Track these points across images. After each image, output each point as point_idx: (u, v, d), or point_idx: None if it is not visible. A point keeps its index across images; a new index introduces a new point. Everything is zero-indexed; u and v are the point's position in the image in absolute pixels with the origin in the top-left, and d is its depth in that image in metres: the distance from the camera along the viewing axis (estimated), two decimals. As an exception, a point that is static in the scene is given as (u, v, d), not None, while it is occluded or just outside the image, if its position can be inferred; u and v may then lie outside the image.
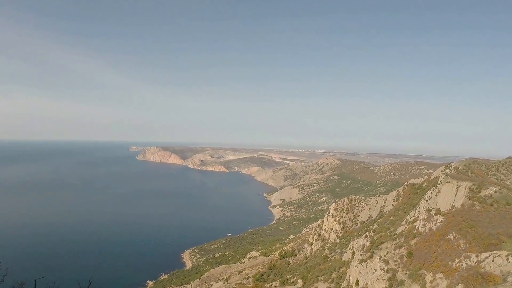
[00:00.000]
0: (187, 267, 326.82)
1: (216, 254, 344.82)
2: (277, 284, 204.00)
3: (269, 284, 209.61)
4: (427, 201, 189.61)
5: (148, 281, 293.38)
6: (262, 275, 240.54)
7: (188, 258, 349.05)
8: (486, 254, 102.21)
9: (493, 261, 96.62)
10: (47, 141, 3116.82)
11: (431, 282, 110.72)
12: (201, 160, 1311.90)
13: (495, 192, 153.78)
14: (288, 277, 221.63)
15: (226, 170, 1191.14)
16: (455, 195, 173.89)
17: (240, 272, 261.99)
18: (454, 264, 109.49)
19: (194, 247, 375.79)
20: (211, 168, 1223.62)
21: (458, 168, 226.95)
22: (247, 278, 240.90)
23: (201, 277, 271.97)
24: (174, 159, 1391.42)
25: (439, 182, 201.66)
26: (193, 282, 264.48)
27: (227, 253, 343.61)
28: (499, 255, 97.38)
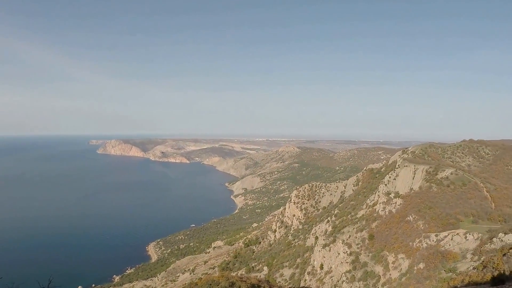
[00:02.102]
0: (153, 260, 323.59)
1: (181, 245, 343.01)
2: (243, 272, 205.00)
3: (235, 273, 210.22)
4: (386, 185, 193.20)
5: (114, 276, 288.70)
6: (228, 264, 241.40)
7: (153, 251, 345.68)
8: (445, 233, 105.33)
9: (452, 239, 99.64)
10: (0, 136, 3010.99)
11: (393, 262, 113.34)
12: (162, 152, 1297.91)
13: (451, 174, 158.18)
14: (253, 264, 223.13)
15: (188, 161, 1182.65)
16: (413, 178, 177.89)
17: (205, 262, 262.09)
18: (414, 244, 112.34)
19: (159, 240, 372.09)
20: (172, 160, 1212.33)
21: (415, 152, 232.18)
22: (213, 268, 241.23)
23: (167, 269, 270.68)
24: (135, 152, 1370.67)
25: (397, 166, 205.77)
26: (159, 274, 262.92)
27: (191, 244, 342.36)
28: (457, 234, 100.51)
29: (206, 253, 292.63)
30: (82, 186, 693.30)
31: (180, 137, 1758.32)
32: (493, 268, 57.49)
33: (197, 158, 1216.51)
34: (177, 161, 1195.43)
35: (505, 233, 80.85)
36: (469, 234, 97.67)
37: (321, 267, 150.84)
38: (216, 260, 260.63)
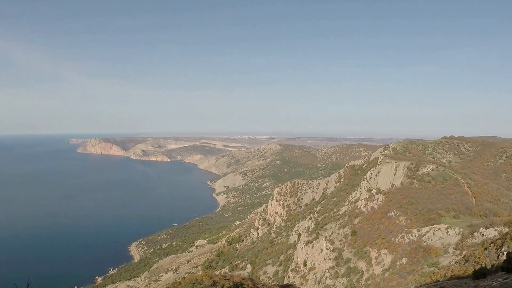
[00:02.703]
0: (135, 260, 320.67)
1: (164, 244, 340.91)
2: (227, 271, 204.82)
3: (219, 271, 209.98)
4: (367, 181, 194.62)
5: (97, 277, 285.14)
6: (211, 262, 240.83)
7: (135, 251, 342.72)
8: (427, 229, 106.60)
9: (433, 234, 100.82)
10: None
11: (376, 258, 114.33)
12: (143, 151, 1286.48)
13: (432, 170, 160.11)
14: (236, 262, 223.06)
15: (169, 160, 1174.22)
16: (394, 175, 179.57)
17: (188, 261, 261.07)
18: (397, 239, 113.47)
19: (141, 239, 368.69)
20: (153, 158, 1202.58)
21: (396, 148, 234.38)
22: (196, 267, 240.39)
23: (150, 269, 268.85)
24: (116, 151, 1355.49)
25: (378, 162, 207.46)
26: (142, 275, 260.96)
27: (174, 243, 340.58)
28: (439, 229, 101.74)
29: (189, 252, 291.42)
30: (62, 186, 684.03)
31: (161, 135, 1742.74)
32: (475, 262, 58.26)
33: (178, 157, 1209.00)
34: (158, 159, 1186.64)
35: (486, 228, 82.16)
36: (451, 229, 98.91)
37: (305, 264, 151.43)
38: (199, 259, 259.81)
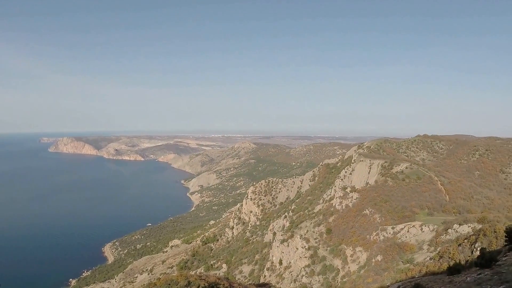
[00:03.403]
0: (109, 261, 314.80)
1: (138, 245, 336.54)
2: (202, 271, 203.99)
3: (194, 271, 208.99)
4: (342, 179, 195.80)
5: (71, 279, 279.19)
6: (186, 262, 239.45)
7: (109, 252, 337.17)
8: (402, 226, 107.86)
9: (408, 231, 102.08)
10: None
11: (351, 255, 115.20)
12: (116, 150, 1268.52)
13: (406, 168, 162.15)
14: (212, 262, 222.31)
15: (142, 159, 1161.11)
16: (369, 173, 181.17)
17: (163, 261, 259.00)
18: (372, 237, 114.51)
19: (115, 240, 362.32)
20: (126, 157, 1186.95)
21: (371, 147, 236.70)
22: (172, 267, 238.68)
23: (124, 270, 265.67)
24: (88, 150, 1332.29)
25: (352, 161, 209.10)
26: (117, 276, 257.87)
27: (148, 243, 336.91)
28: (413, 226, 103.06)
29: (163, 253, 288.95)
30: (33, 186, 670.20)
31: (134, 134, 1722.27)
32: (449, 258, 59.14)
33: (151, 155, 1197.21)
34: (131, 158, 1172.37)
35: (460, 224, 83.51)
36: (425, 226, 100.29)
37: (280, 262, 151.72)
38: (174, 259, 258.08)
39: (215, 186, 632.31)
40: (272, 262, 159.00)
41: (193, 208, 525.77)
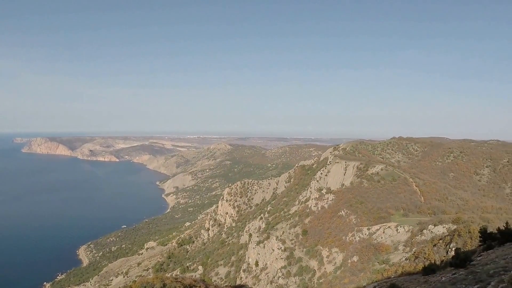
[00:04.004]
0: (84, 264, 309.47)
1: (113, 247, 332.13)
2: (178, 273, 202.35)
3: (170, 274, 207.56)
4: (317, 181, 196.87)
5: (45, 283, 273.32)
6: (162, 265, 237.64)
7: (84, 255, 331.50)
8: (377, 227, 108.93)
9: (383, 232, 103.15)
10: None
11: (327, 256, 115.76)
12: (91, 150, 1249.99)
13: (381, 169, 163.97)
14: (188, 264, 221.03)
15: (117, 160, 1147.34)
16: (344, 174, 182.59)
17: (139, 264, 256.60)
18: (347, 238, 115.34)
19: (90, 242, 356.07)
20: (101, 158, 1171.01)
21: (346, 149, 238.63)
22: (147, 270, 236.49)
23: (99, 273, 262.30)
24: (62, 150, 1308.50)
25: (328, 162, 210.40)
26: (92, 279, 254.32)
27: (124, 245, 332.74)
28: (389, 227, 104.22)
29: (139, 255, 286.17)
30: (6, 187, 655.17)
31: (109, 135, 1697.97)
32: (425, 258, 59.93)
33: (126, 156, 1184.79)
34: (106, 159, 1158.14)
35: (435, 225, 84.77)
36: (400, 226, 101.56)
37: (256, 264, 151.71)
38: (150, 261, 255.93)
39: (191, 187, 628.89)
40: (248, 264, 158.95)
41: (168, 210, 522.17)
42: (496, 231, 38.19)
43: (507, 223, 37.59)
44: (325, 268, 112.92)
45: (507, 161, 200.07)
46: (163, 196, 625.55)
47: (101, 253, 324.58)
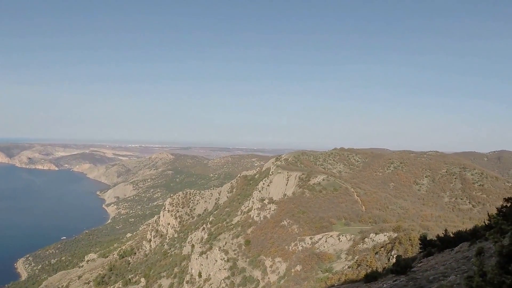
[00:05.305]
0: (23, 278, 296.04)
1: (52, 260, 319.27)
2: (120, 285, 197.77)
3: (112, 286, 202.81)
4: (260, 191, 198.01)
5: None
6: (103, 277, 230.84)
7: (22, 268, 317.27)
8: (319, 236, 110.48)
9: (326, 241, 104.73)
10: None
11: (271, 266, 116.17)
12: (29, 158, 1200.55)
13: (323, 180, 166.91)
14: (130, 276, 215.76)
15: (56, 168, 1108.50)
16: (286, 185, 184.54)
17: (80, 277, 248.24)
18: (290, 247, 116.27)
19: (28, 255, 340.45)
20: (40, 166, 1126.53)
21: (288, 159, 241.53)
22: (88, 283, 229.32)
23: (39, 287, 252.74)
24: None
25: (270, 173, 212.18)
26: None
27: (63, 258, 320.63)
28: (331, 236, 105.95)
29: (79, 267, 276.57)
30: None
31: (48, 142, 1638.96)
32: (367, 266, 61.35)
33: (66, 165, 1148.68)
34: (45, 167, 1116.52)
35: (376, 233, 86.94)
36: (342, 235, 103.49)
37: (200, 275, 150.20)
38: (91, 274, 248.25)
39: (132, 197, 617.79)
40: (192, 275, 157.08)
41: (109, 221, 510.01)
42: (435, 238, 39.51)
43: (446, 230, 39.00)
44: (268, 278, 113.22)
45: (445, 171, 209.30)
46: (103, 206, 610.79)
47: (40, 266, 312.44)
